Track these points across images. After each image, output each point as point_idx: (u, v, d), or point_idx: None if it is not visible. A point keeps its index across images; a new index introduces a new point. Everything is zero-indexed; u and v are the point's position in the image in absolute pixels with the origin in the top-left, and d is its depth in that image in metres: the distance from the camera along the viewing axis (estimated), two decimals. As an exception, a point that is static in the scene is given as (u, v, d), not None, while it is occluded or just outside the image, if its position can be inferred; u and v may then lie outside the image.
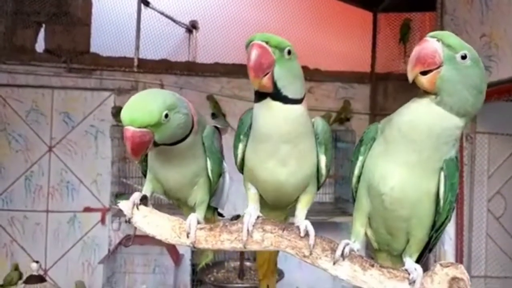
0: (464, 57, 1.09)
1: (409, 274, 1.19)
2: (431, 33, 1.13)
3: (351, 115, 4.71)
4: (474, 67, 1.10)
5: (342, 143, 4.55)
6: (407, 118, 1.16)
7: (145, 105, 1.17)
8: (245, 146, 1.34)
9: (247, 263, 4.05)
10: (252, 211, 1.33)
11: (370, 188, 1.25)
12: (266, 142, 1.24)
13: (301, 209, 1.38)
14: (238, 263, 3.92)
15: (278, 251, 1.64)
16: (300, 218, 1.35)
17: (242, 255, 3.89)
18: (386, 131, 1.22)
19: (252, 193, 1.38)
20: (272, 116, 1.20)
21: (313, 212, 4.28)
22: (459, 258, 3.40)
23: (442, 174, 1.17)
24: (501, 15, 2.95)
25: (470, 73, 1.10)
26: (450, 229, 3.45)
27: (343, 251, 1.21)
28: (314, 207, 4.47)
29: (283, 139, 1.22)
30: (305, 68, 4.68)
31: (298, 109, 1.21)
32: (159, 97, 1.21)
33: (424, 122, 1.13)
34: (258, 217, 1.32)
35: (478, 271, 3.41)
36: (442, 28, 3.59)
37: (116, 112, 4.20)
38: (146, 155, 1.44)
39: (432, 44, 1.10)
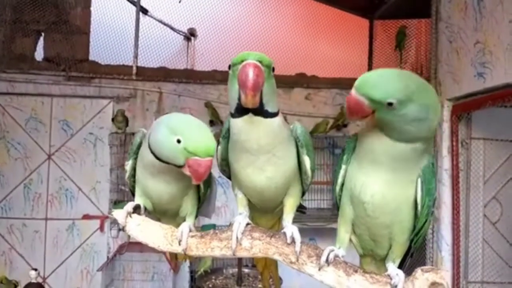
0: (390, 104, 1.10)
1: (391, 279, 1.21)
2: (357, 84, 1.13)
3: (348, 121, 4.74)
4: (408, 106, 1.10)
5: (340, 150, 4.57)
6: (366, 146, 1.23)
7: (213, 139, 1.27)
8: (225, 149, 1.41)
9: (245, 270, 4.07)
10: (241, 219, 1.36)
11: (352, 196, 1.29)
12: (246, 152, 1.29)
13: (287, 213, 1.41)
14: (236, 269, 3.93)
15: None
16: (288, 222, 1.39)
17: (240, 261, 3.90)
18: (357, 148, 1.27)
19: (240, 197, 1.44)
20: (254, 131, 1.25)
21: (312, 219, 4.30)
22: (456, 264, 3.41)
23: (419, 180, 1.21)
24: (495, 22, 2.98)
25: (404, 112, 1.11)
26: (446, 235, 3.46)
27: (327, 257, 1.24)
28: (312, 213, 4.48)
29: (262, 150, 1.28)
30: (302, 75, 4.73)
31: (276, 121, 1.27)
32: None
33: (381, 151, 1.18)
34: (247, 224, 1.35)
35: (475, 277, 3.42)
36: (437, 35, 3.61)
37: (118, 115, 4.23)
38: (135, 172, 1.48)
39: (358, 100, 1.13)
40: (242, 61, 1.17)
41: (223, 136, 1.39)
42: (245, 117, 1.23)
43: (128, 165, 1.48)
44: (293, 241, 1.29)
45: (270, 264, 1.76)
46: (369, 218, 1.27)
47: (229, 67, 1.22)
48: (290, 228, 1.32)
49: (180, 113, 1.39)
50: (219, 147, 1.41)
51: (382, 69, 1.15)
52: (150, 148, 1.32)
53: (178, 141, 1.23)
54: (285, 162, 1.33)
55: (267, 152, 1.28)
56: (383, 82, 1.11)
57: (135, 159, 1.46)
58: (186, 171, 1.26)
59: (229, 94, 1.26)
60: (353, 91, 1.13)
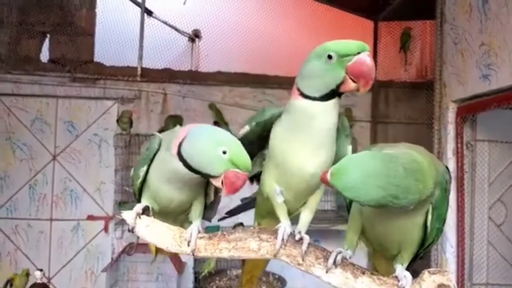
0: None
1: (398, 281, 1.22)
2: (334, 175, 1.10)
3: (353, 122, 4.73)
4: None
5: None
6: None
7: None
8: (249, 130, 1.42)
9: (249, 271, 4.06)
10: (286, 225, 1.37)
11: (361, 211, 1.30)
12: (308, 135, 1.30)
13: (304, 220, 1.43)
14: (240, 271, 3.93)
15: (266, 264, 1.72)
16: (302, 231, 1.38)
17: (244, 263, 3.90)
18: None
19: (280, 203, 1.42)
20: (332, 113, 1.28)
21: (316, 220, 4.28)
22: (460, 266, 3.40)
23: (430, 206, 1.21)
24: (500, 24, 2.97)
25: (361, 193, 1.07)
26: (451, 237, 3.45)
27: (335, 259, 1.25)
28: (317, 215, 4.44)
29: (325, 131, 1.30)
30: (306, 77, 4.74)
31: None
32: None
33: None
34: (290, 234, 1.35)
35: (479, 279, 3.40)
36: (442, 37, 3.61)
37: (123, 116, 4.24)
38: (145, 178, 1.48)
39: (330, 184, 1.11)
40: (358, 52, 1.22)
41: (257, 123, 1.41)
42: (333, 100, 1.27)
43: (143, 170, 1.46)
44: (301, 239, 1.31)
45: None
46: (379, 234, 1.29)
47: (329, 56, 1.23)
48: (300, 228, 1.35)
49: (208, 125, 1.39)
50: (247, 127, 1.43)
51: (369, 163, 1.07)
52: (180, 155, 1.31)
53: (224, 152, 1.25)
54: (332, 148, 1.35)
55: (327, 134, 1.30)
56: (362, 186, 1.05)
57: (149, 164, 1.45)
58: (217, 183, 1.28)
59: (316, 80, 1.26)
60: (328, 176, 1.11)
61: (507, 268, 3.46)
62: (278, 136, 1.37)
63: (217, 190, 1.55)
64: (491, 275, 3.42)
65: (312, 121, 1.28)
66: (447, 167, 1.29)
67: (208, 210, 1.60)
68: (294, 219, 1.45)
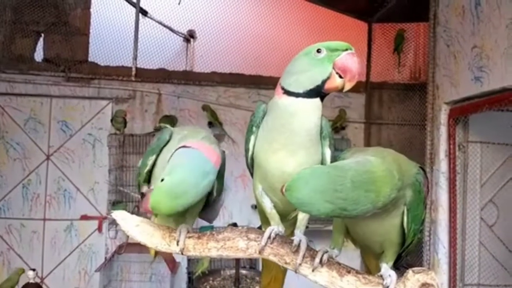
0: None
1: (383, 279, 1.23)
2: (288, 189, 1.11)
3: (347, 123, 4.76)
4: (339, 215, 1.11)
5: (338, 152, 4.58)
6: None
7: None
8: (255, 139, 1.37)
9: (243, 271, 4.08)
10: (276, 227, 1.36)
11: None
12: (287, 134, 1.28)
13: (301, 223, 1.40)
14: (234, 271, 3.94)
15: (285, 273, 1.67)
16: (300, 231, 1.37)
17: (238, 263, 3.92)
18: None
19: (269, 207, 1.41)
20: (315, 112, 1.27)
21: (309, 221, 4.30)
22: (452, 267, 3.42)
23: (405, 208, 1.23)
24: (492, 27, 3.00)
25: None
26: (443, 238, 3.47)
27: (321, 258, 1.26)
28: (310, 215, 4.49)
29: (304, 132, 1.28)
30: (300, 78, 4.75)
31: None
32: None
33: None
34: (277, 235, 1.34)
35: (471, 279, 3.42)
36: (434, 39, 3.63)
37: (117, 116, 4.24)
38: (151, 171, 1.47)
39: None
40: (346, 49, 1.22)
41: (256, 125, 1.37)
42: (316, 99, 1.26)
43: (151, 159, 1.43)
44: (297, 250, 1.29)
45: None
46: (361, 234, 1.31)
47: (318, 50, 1.23)
48: (298, 237, 1.32)
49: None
50: (252, 137, 1.38)
51: (316, 180, 1.08)
52: None
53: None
54: (315, 150, 1.33)
55: (307, 135, 1.28)
56: (310, 201, 1.07)
57: (158, 155, 1.43)
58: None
59: (303, 75, 1.24)
60: (284, 189, 1.12)
61: (499, 269, 3.48)
62: (260, 136, 1.36)
63: (220, 189, 1.53)
64: (483, 275, 3.44)
65: (293, 118, 1.26)
66: (422, 168, 1.30)
67: (211, 210, 1.58)
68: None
